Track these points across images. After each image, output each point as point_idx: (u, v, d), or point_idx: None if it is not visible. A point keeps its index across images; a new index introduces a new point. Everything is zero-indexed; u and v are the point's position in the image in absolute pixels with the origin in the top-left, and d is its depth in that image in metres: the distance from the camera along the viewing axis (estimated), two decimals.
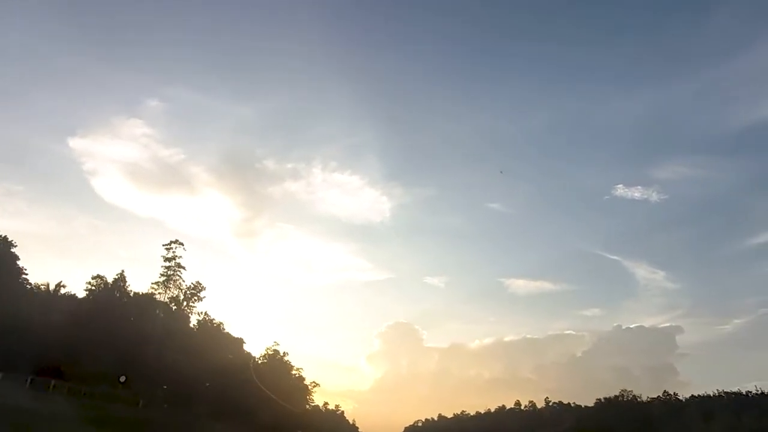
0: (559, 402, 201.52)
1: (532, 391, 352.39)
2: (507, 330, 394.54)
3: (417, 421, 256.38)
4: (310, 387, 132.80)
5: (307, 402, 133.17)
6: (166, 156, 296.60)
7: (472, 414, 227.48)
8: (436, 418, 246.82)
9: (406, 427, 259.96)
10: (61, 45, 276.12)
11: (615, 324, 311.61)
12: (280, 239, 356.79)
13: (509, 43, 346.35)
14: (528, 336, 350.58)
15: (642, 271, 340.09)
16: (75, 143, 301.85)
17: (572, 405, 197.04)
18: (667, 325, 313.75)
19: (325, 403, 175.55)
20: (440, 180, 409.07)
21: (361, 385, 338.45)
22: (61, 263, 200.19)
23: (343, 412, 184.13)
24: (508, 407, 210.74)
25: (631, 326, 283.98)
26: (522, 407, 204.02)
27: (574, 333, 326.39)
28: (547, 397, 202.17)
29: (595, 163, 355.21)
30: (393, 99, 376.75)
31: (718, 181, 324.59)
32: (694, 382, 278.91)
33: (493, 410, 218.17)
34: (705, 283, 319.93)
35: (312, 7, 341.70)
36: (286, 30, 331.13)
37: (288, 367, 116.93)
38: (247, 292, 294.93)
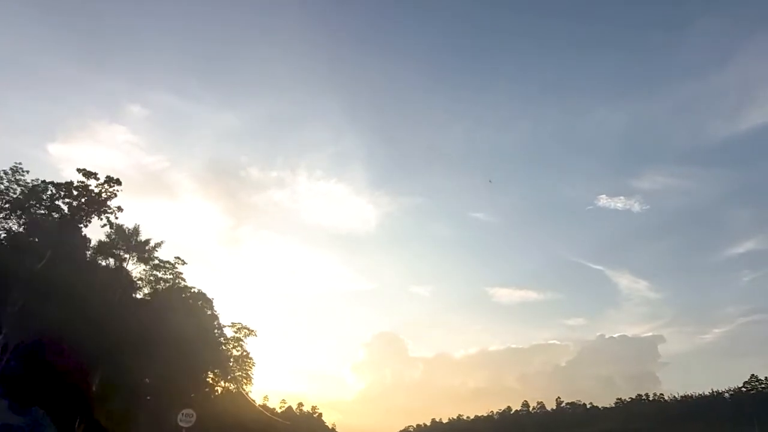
0: (572, 402, 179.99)
1: (517, 401, 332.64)
2: (492, 339, 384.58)
3: (408, 427, 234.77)
4: (236, 338, 77.31)
5: (241, 371, 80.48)
6: (148, 163, 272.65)
7: (471, 417, 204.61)
8: (428, 424, 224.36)
9: None
10: (40, 48, 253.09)
11: (598, 333, 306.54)
12: (264, 248, 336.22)
13: (494, 55, 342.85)
14: (513, 345, 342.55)
15: (625, 281, 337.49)
16: (55, 149, 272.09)
17: (587, 406, 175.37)
18: (650, 334, 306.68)
19: (300, 404, 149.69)
20: (426, 189, 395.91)
21: (346, 395, 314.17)
22: None
23: (320, 414, 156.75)
24: (514, 409, 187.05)
25: (614, 335, 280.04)
26: (530, 409, 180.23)
27: (558, 342, 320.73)
28: (559, 397, 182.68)
29: (578, 173, 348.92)
30: (379, 107, 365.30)
31: (699, 192, 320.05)
32: (675, 391, 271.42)
33: (496, 413, 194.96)
34: (686, 292, 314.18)
35: (297, 14, 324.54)
36: (271, 36, 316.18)
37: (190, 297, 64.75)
38: (230, 302, 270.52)
